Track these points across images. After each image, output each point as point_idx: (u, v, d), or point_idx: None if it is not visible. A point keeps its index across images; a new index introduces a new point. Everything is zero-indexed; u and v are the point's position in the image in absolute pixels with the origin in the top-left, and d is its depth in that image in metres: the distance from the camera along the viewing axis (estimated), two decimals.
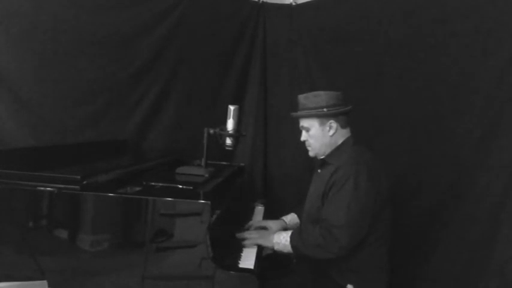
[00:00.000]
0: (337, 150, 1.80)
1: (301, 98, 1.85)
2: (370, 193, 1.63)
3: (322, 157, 1.84)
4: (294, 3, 2.97)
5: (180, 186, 1.73)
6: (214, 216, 1.54)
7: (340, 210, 1.61)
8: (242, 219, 2.13)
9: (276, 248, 1.75)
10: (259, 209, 2.42)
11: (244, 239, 1.81)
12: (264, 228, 1.98)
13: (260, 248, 1.79)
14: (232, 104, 2.02)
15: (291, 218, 2.09)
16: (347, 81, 2.61)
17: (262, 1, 3.00)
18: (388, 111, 2.41)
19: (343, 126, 1.81)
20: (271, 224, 2.02)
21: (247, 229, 1.97)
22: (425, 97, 2.22)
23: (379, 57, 2.46)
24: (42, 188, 1.53)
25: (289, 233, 1.74)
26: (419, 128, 2.25)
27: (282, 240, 1.73)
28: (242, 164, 2.65)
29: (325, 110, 1.77)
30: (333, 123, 1.78)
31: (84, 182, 1.54)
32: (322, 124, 1.79)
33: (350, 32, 2.64)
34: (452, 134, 2.10)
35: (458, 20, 2.07)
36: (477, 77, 2.00)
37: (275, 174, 3.00)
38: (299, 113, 1.84)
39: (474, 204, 1.99)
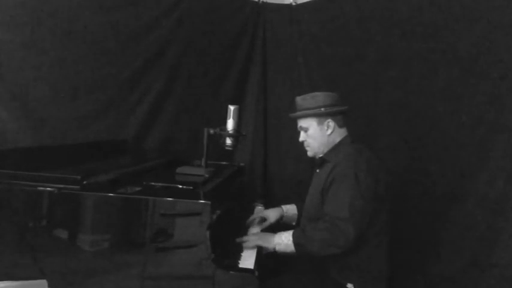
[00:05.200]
0: (335, 148, 1.83)
1: (299, 99, 1.89)
2: (370, 186, 1.65)
3: (320, 155, 1.86)
4: (294, 3, 2.97)
5: (180, 186, 1.73)
6: (214, 216, 1.54)
7: (343, 204, 1.62)
8: (242, 219, 2.13)
9: (277, 248, 1.70)
10: (259, 209, 2.41)
11: (244, 243, 1.78)
12: (264, 220, 2.07)
13: (260, 248, 1.78)
14: (232, 104, 2.02)
15: (290, 208, 2.12)
16: (347, 81, 2.61)
17: (262, 1, 3.00)
18: (387, 112, 2.41)
19: (340, 126, 1.84)
20: (270, 212, 2.09)
21: (249, 224, 2.07)
22: (425, 97, 2.22)
23: (379, 57, 2.46)
24: (42, 188, 1.53)
25: (290, 232, 1.72)
26: (419, 129, 2.25)
27: (283, 240, 1.69)
28: (242, 164, 2.64)
29: (322, 109, 1.81)
30: (331, 122, 1.81)
31: (84, 182, 1.54)
32: (320, 123, 1.82)
33: (350, 32, 2.64)
34: (452, 134, 2.10)
35: (459, 20, 2.07)
36: (477, 78, 2.00)
37: (275, 174, 3.00)
38: (297, 113, 1.88)
39: (474, 205, 1.99)
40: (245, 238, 1.79)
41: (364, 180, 1.63)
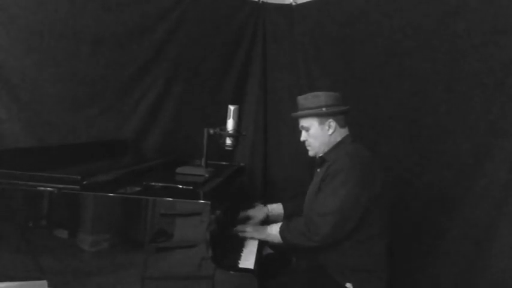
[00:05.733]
0: (336, 148, 1.84)
1: (301, 98, 1.90)
2: (362, 186, 1.65)
3: (320, 155, 1.87)
4: (294, 3, 2.97)
5: (180, 186, 1.73)
6: (214, 216, 1.55)
7: (326, 200, 1.67)
8: (242, 219, 2.13)
9: (268, 239, 1.82)
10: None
11: (240, 233, 1.87)
12: (249, 218, 2.07)
13: (260, 248, 1.81)
14: (232, 104, 2.03)
15: (276, 207, 2.14)
16: (347, 81, 2.61)
17: (262, 1, 3.00)
18: (387, 112, 2.41)
19: (341, 126, 1.85)
20: (256, 212, 2.11)
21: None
22: (425, 97, 2.22)
23: (379, 57, 2.46)
24: (42, 188, 1.53)
25: (279, 224, 1.81)
26: (418, 129, 2.25)
27: (273, 232, 1.80)
28: (242, 164, 2.64)
29: (324, 109, 1.81)
30: (332, 122, 1.82)
31: (84, 182, 1.54)
32: (321, 123, 1.83)
33: (350, 32, 2.64)
34: (451, 135, 2.11)
35: (459, 19, 2.07)
36: (477, 78, 2.00)
37: (275, 174, 3.00)
38: (299, 113, 1.88)
39: (474, 205, 1.99)
40: (240, 228, 1.88)
41: (355, 179, 1.64)
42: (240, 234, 1.86)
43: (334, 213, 1.62)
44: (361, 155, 1.74)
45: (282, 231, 1.76)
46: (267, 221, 2.10)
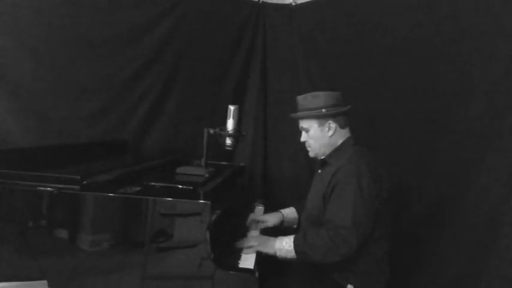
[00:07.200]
0: (337, 150, 1.81)
1: (300, 99, 1.86)
2: (373, 193, 1.63)
3: (322, 157, 1.85)
4: (294, 3, 2.97)
5: (180, 186, 1.73)
6: (214, 216, 1.55)
7: (345, 211, 1.60)
8: (242, 219, 2.13)
9: (278, 254, 1.68)
10: (259, 209, 2.41)
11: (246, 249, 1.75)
12: (262, 222, 2.03)
13: None
14: (232, 104, 2.02)
15: (290, 212, 2.10)
16: (347, 82, 2.61)
17: (262, 1, 3.00)
18: (387, 112, 2.41)
19: (342, 127, 1.82)
20: (269, 217, 2.05)
21: (248, 226, 2.01)
22: (425, 98, 2.22)
23: (379, 57, 2.46)
24: (42, 188, 1.53)
25: (291, 237, 1.69)
26: (418, 129, 2.25)
27: (284, 246, 1.67)
28: (242, 164, 2.64)
29: (323, 110, 1.78)
30: (332, 124, 1.79)
31: (84, 182, 1.54)
32: (321, 125, 1.80)
33: (350, 32, 2.64)
34: (451, 135, 2.10)
35: (459, 20, 2.07)
36: (477, 78, 2.00)
37: (275, 174, 3.00)
38: (298, 114, 1.86)
39: (474, 205, 1.98)
40: (245, 244, 1.76)
41: (367, 187, 1.62)
42: (245, 251, 1.72)
43: (357, 224, 1.59)
44: (365, 159, 1.71)
45: (298, 247, 1.64)
46: (281, 227, 2.07)
